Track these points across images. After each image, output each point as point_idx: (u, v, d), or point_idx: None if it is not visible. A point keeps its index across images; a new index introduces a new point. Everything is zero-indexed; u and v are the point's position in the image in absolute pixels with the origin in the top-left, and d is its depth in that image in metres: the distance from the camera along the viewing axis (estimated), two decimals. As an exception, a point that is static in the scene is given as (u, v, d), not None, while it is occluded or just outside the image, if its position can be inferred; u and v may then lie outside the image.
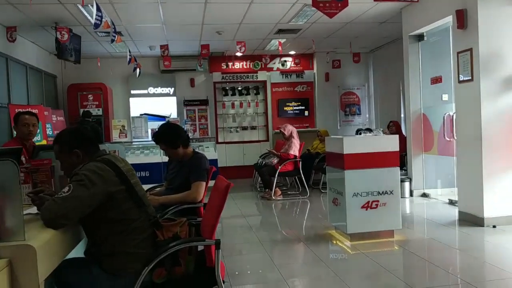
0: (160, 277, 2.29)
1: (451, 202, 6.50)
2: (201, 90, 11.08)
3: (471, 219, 5.32)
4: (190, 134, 9.81)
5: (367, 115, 11.54)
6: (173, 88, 10.78)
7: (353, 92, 11.42)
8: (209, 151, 9.09)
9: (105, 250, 2.28)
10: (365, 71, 11.42)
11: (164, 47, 8.33)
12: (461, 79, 5.50)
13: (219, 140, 10.93)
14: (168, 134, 3.68)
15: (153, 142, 9.40)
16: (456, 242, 4.83)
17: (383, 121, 10.43)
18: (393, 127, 8.38)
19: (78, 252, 2.52)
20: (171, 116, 10.51)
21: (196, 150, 3.97)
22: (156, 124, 9.97)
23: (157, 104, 10.66)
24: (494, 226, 5.07)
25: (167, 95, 10.78)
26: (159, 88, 10.78)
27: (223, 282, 2.36)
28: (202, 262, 2.47)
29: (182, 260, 2.36)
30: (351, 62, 10.23)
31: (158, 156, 8.85)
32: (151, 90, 10.71)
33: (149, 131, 9.75)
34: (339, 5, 4.16)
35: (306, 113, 11.23)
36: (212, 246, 2.34)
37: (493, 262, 3.99)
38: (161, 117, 10.43)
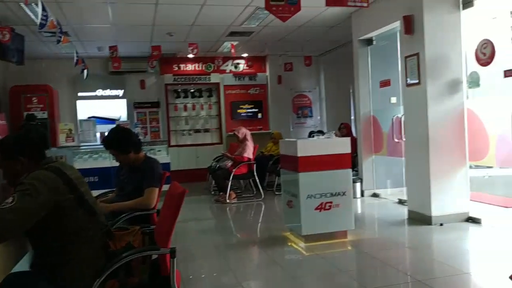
0: (113, 289, 2.19)
1: (401, 202, 6.71)
2: (152, 92, 10.85)
3: (420, 218, 5.51)
4: (141, 138, 9.57)
5: (319, 117, 11.73)
6: (122, 90, 10.48)
7: (305, 94, 11.59)
8: (161, 155, 8.92)
9: (53, 261, 2.14)
10: (316, 74, 11.61)
11: (113, 48, 8.08)
12: (408, 82, 5.70)
13: (172, 143, 10.73)
14: (118, 139, 3.53)
15: (102, 146, 9.15)
16: (406, 240, 4.99)
17: (334, 123, 10.63)
18: (344, 129, 8.56)
19: (23, 265, 2.36)
20: (121, 119, 10.22)
21: (148, 154, 3.85)
22: (105, 128, 9.68)
23: (106, 106, 10.34)
24: (441, 224, 5.27)
25: (116, 97, 10.48)
26: (108, 90, 10.45)
27: (179, 291, 2.29)
28: (156, 270, 2.38)
29: (136, 270, 2.27)
30: (303, 65, 10.35)
31: (108, 161, 8.56)
32: (100, 92, 10.37)
33: (98, 134, 9.43)
34: (292, 9, 4.19)
35: (260, 115, 11.26)
36: (167, 254, 2.27)
37: (441, 259, 4.14)
38: (110, 120, 10.13)
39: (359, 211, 6.66)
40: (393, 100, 7.24)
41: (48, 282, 2.14)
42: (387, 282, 3.71)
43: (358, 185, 7.47)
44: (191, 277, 3.92)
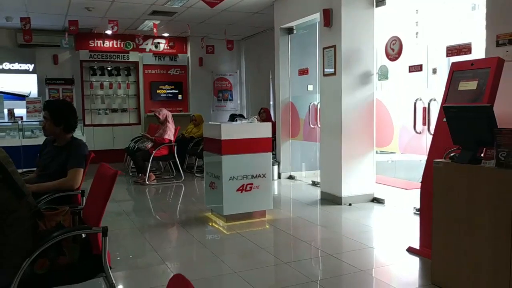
0: (43, 268, 2.20)
1: (314, 184, 7.16)
2: (66, 69, 10.32)
3: (331, 199, 5.96)
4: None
5: (239, 101, 11.94)
6: (33, 65, 9.83)
7: (226, 78, 11.71)
8: (76, 134, 8.55)
9: (-20, 243, 2.10)
10: (238, 58, 11.77)
11: (25, 20, 7.56)
12: (325, 72, 6.06)
13: (86, 123, 10.34)
14: (60, 108, 3.45)
15: (10, 124, 8.60)
16: (318, 219, 5.38)
17: (253, 108, 10.92)
18: (264, 114, 8.84)
19: None
20: (31, 95, 9.62)
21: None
22: (13, 104, 9.07)
23: (14, 81, 9.64)
24: (350, 204, 5.75)
25: (26, 72, 9.80)
26: (16, 63, 9.74)
27: (111, 268, 2.36)
28: (86, 250, 2.42)
29: (67, 249, 2.29)
30: (225, 48, 10.44)
31: (17, 139, 8.10)
32: (7, 65, 9.63)
33: (5, 111, 8.81)
34: (220, -5, 4.28)
35: (180, 97, 11.21)
36: (98, 233, 2.32)
37: (348, 236, 4.56)
38: (19, 96, 9.49)
39: (276, 192, 7.00)
40: (310, 88, 7.65)
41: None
42: (301, 257, 4.04)
43: (275, 167, 7.82)
44: (118, 258, 3.94)
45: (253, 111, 10.66)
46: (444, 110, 3.11)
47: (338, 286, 3.30)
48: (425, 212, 3.75)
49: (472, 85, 3.74)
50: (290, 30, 7.74)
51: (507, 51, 3.96)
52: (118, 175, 2.38)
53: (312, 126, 7.17)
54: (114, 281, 2.38)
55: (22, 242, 2.18)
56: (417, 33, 6.55)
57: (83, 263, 2.36)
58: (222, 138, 4.84)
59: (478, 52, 4.39)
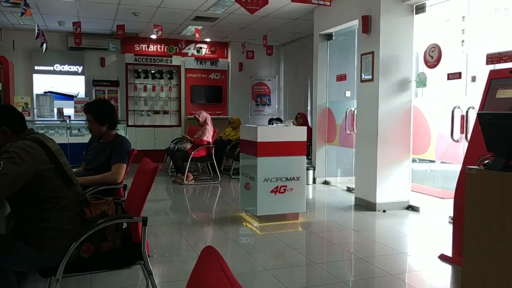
0: (88, 252, 2.39)
1: (349, 189, 7.17)
2: (112, 71, 10.78)
3: (365, 205, 5.97)
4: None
5: (276, 106, 12.07)
6: (81, 67, 10.34)
7: (265, 83, 11.87)
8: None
9: (32, 226, 2.31)
10: (277, 64, 11.91)
11: (77, 24, 7.99)
12: (363, 78, 6.09)
13: (130, 123, 10.75)
14: (101, 108, 3.67)
15: (58, 122, 9.06)
16: (352, 224, 5.41)
17: (291, 113, 11.01)
18: (301, 119, 8.91)
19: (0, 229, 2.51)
20: (79, 96, 10.11)
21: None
22: (62, 104, 9.57)
23: (64, 82, 10.16)
24: (384, 211, 5.75)
25: (75, 73, 10.32)
26: (66, 65, 10.27)
27: (149, 256, 2.53)
28: (127, 238, 2.60)
29: (109, 236, 2.48)
30: (264, 54, 10.60)
31: (64, 137, 8.53)
32: (58, 67, 10.17)
33: (55, 110, 9.31)
34: (260, 2, 4.43)
35: (219, 100, 11.45)
36: (139, 223, 2.49)
37: (381, 241, 4.58)
38: (68, 96, 9.99)
39: (311, 196, 7.06)
40: (348, 94, 7.67)
41: (25, 244, 2.31)
42: (332, 259, 4.10)
43: (310, 172, 7.88)
44: (155, 256, 4.13)
45: (290, 116, 10.74)
46: (479, 116, 3.12)
47: (367, 287, 3.35)
48: (458, 219, 3.74)
49: (510, 93, 3.71)
50: (329, 36, 7.81)
51: (549, 60, 3.89)
52: (159, 170, 2.54)
53: (348, 132, 7.19)
54: (151, 268, 2.54)
55: (70, 226, 2.37)
56: (463, 41, 6.46)
57: (124, 250, 2.53)
58: (258, 140, 4.97)
59: None
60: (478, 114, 3.18)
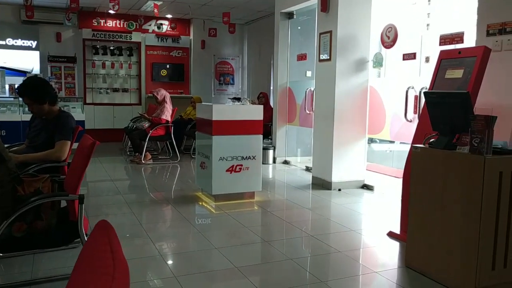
0: (20, 231, 2.29)
1: (308, 169, 7.22)
2: (69, 47, 10.38)
3: (322, 183, 6.03)
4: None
5: (240, 86, 11.97)
6: (35, 42, 9.90)
7: (228, 62, 11.72)
8: (76, 112, 8.66)
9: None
10: (240, 42, 11.77)
11: (28, -4, 7.60)
12: (321, 58, 6.08)
13: (87, 101, 10.43)
14: (35, 88, 3.47)
15: (11, 99, 8.71)
16: (307, 202, 5.45)
17: (254, 92, 10.94)
18: (263, 98, 8.88)
19: None
20: (33, 72, 9.70)
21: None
22: (14, 80, 9.15)
23: (17, 57, 9.71)
24: (339, 190, 5.82)
25: (29, 48, 9.88)
26: (19, 40, 9.81)
27: (86, 235, 2.45)
28: (64, 217, 2.51)
29: (44, 215, 2.38)
30: (227, 32, 10.45)
31: (17, 115, 8.21)
32: (10, 41, 9.70)
33: (7, 86, 8.90)
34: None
35: (181, 78, 11.25)
36: (75, 201, 2.40)
37: (334, 219, 4.63)
38: (21, 72, 9.57)
39: (270, 176, 7.07)
40: (309, 74, 7.67)
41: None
42: (284, 237, 4.13)
43: (271, 152, 7.89)
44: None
45: (254, 95, 10.68)
46: (424, 96, 3.15)
47: (313, 264, 3.38)
48: (405, 198, 3.81)
49: (458, 73, 3.77)
50: (290, 15, 7.73)
51: (496, 41, 3.97)
52: (96, 146, 2.45)
53: (308, 112, 7.20)
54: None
55: (1, 203, 2.26)
56: (428, 24, 6.51)
57: (60, 229, 2.44)
58: (213, 119, 4.90)
59: (471, 41, 4.39)
60: (424, 93, 3.21)
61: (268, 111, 8.46)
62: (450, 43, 4.64)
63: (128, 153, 8.60)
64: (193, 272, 3.16)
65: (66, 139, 3.44)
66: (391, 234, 4.01)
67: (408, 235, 3.29)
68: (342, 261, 3.44)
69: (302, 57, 7.51)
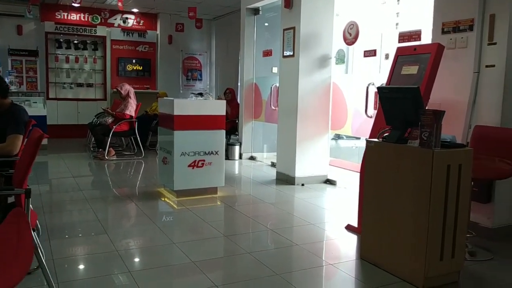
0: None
1: (273, 165, 7.25)
2: (30, 40, 10.10)
3: (285, 179, 6.07)
4: (14, 87, 8.96)
5: (208, 81, 11.91)
6: (-5, 34, 9.59)
7: (196, 57, 11.65)
8: (38, 107, 8.45)
9: None
10: (208, 38, 11.71)
11: (-16, -14, 7.33)
12: (285, 54, 6.11)
13: (50, 96, 10.17)
14: None
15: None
16: (270, 197, 5.48)
17: (222, 88, 10.89)
18: (230, 94, 8.85)
19: None
20: (-8, 65, 9.41)
21: (22, 104, 3.73)
22: (-28, 73, 8.85)
23: (-25, 50, 9.40)
24: (302, 184, 5.87)
25: (-12, 41, 9.57)
26: (-22, 32, 9.49)
27: (33, 230, 2.38)
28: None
29: (-12, 210, 2.31)
30: (194, 27, 10.36)
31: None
32: (-33, 33, 9.38)
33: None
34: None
35: (147, 74, 11.11)
36: (22, 195, 2.33)
37: (295, 213, 4.68)
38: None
39: (236, 172, 7.08)
40: (275, 70, 7.69)
41: None
42: (243, 231, 4.14)
43: (237, 148, 7.89)
44: (57, 227, 3.96)
45: (222, 91, 10.64)
46: (378, 91, 3.21)
47: (270, 257, 3.40)
48: (362, 191, 3.88)
49: (413, 69, 3.86)
50: (256, 11, 7.74)
51: (450, 39, 4.09)
52: (43, 139, 2.39)
53: (273, 108, 7.23)
54: (38, 243, 2.40)
55: None
56: (397, 24, 6.61)
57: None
58: (175, 114, 4.86)
59: (429, 39, 4.50)
60: (377, 88, 3.28)
61: (235, 107, 8.47)
62: (409, 40, 4.75)
63: (92, 149, 8.44)
64: (148, 267, 3.14)
65: (18, 133, 3.34)
66: (349, 227, 4.07)
67: (362, 228, 3.35)
68: (299, 254, 3.48)
69: (268, 53, 7.53)
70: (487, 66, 3.86)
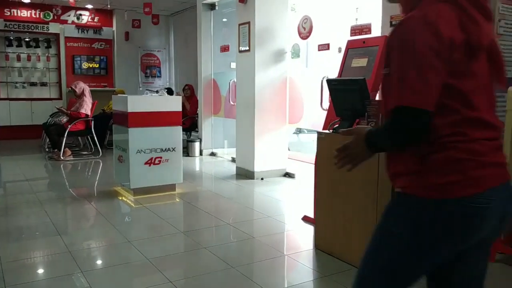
0: None
1: (233, 160, 7.25)
2: (-22, 38, 9.67)
3: (245, 173, 6.09)
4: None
5: (168, 78, 11.76)
6: None
7: (154, 54, 11.47)
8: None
9: None
10: (166, 34, 11.55)
11: None
12: (241, 49, 6.12)
13: (2, 96, 9.79)
14: None
15: None
16: (229, 192, 5.48)
17: (182, 84, 10.79)
18: (188, 90, 8.78)
19: None
20: None
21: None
22: None
23: None
24: (262, 179, 5.91)
25: None
26: None
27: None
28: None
29: None
30: (151, 23, 10.20)
31: None
32: None
33: None
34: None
35: (104, 72, 10.86)
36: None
37: (253, 207, 4.71)
38: None
39: (196, 168, 7.05)
40: (233, 65, 7.67)
41: None
42: (200, 226, 4.13)
43: (197, 144, 7.85)
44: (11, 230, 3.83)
45: (181, 88, 10.55)
46: (327, 83, 3.27)
47: (226, 251, 3.42)
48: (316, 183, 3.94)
49: (363, 62, 3.95)
50: (212, 6, 7.71)
51: (398, 32, 4.18)
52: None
53: (232, 103, 7.22)
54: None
55: None
56: (356, 19, 6.70)
57: None
58: (129, 111, 4.79)
59: (379, 32, 4.60)
60: (326, 80, 3.33)
61: (195, 103, 8.41)
62: (360, 34, 4.84)
63: (47, 150, 8.19)
64: (102, 267, 3.09)
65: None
66: (305, 218, 4.14)
67: (316, 219, 3.41)
68: (256, 247, 3.51)
69: (225, 49, 7.51)
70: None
